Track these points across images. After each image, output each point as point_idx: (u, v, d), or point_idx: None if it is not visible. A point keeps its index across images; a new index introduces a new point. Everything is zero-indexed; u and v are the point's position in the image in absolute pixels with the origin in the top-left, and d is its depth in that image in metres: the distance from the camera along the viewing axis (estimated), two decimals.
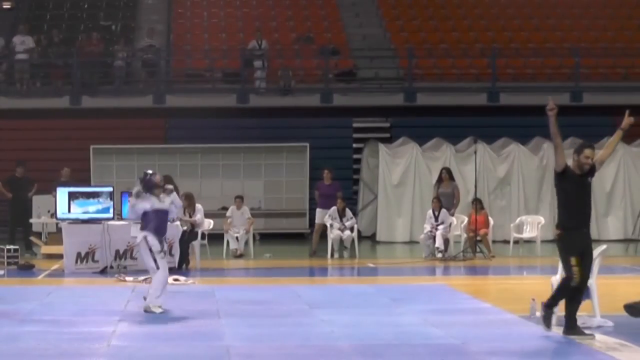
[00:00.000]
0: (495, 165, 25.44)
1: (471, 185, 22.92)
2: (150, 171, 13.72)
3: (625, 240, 24.85)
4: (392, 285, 16.81)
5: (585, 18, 31.09)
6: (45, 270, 19.14)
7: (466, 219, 22.04)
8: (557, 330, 11.42)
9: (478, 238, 21.48)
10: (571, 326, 11.20)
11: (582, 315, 11.56)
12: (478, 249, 21.39)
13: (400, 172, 25.37)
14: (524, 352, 10.56)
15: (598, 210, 24.30)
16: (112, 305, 13.99)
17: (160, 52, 28.99)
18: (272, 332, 11.80)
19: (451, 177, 22.53)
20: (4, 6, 32.19)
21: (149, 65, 28.77)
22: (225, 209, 23.40)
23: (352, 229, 21.75)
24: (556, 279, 12.26)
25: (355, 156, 27.63)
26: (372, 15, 31.73)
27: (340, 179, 23.95)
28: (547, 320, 11.33)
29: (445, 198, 21.86)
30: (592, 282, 11.83)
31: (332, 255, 21.41)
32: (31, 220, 22.91)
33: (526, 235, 22.93)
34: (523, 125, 26.24)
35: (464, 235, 21.87)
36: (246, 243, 22.15)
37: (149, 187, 13.47)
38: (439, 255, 20.95)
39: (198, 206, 20.12)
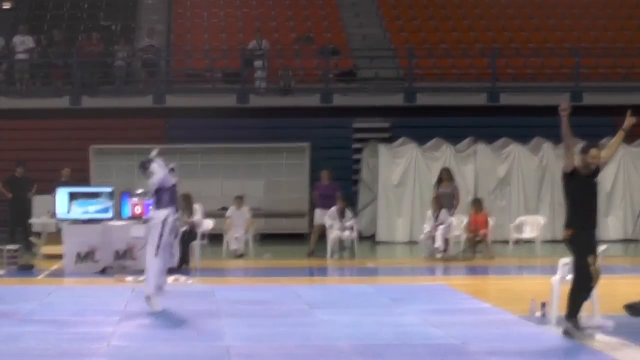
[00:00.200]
0: (495, 166, 25.41)
1: (471, 186, 22.94)
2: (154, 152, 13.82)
3: (625, 240, 24.85)
4: (392, 285, 16.81)
5: (585, 18, 31.08)
6: (45, 270, 19.15)
7: (466, 219, 22.03)
8: (557, 330, 11.43)
9: (478, 238, 21.49)
10: (572, 314, 11.06)
11: (582, 315, 11.54)
12: (478, 249, 21.38)
13: (400, 172, 25.35)
14: (523, 352, 10.55)
15: (598, 210, 24.22)
16: (112, 305, 14.01)
17: (160, 52, 28.98)
18: (272, 332, 11.80)
19: (451, 178, 22.54)
20: (4, 6, 32.19)
21: (149, 65, 28.75)
22: (225, 209, 23.38)
23: (352, 229, 21.74)
24: (556, 279, 12.25)
25: (355, 156, 27.61)
26: (372, 15, 31.72)
27: (340, 179, 23.95)
28: (577, 332, 11.03)
29: (445, 198, 21.85)
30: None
31: (331, 256, 21.41)
32: (31, 220, 22.90)
33: (526, 235, 22.91)
34: (523, 125, 26.25)
35: (464, 236, 21.87)
36: (246, 243, 22.16)
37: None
38: (439, 255, 20.95)
39: (197, 206, 20.13)
